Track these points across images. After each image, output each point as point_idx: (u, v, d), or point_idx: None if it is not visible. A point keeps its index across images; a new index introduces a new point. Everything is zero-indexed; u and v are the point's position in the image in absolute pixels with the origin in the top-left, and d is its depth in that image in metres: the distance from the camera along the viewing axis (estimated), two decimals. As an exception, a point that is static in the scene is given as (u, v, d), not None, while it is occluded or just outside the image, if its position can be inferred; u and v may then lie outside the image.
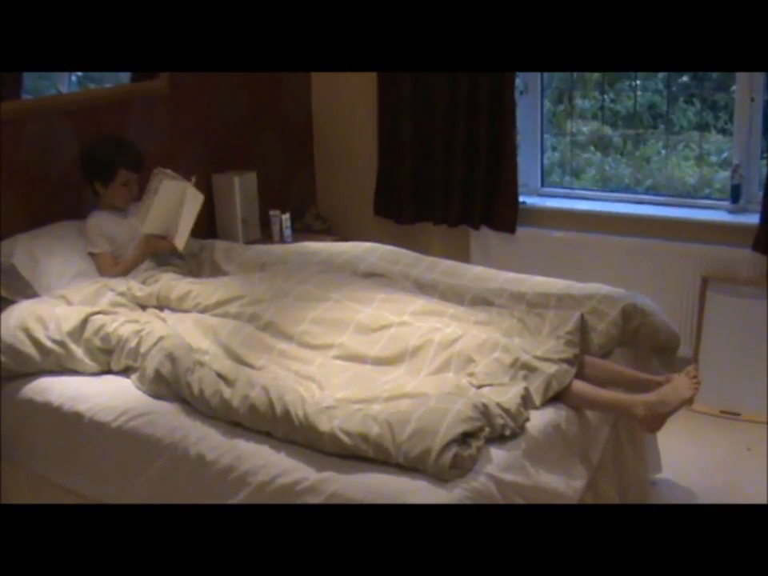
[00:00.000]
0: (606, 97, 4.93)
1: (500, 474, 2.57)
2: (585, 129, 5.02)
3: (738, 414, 4.28)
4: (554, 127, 5.10)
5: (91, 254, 3.89)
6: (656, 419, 2.96)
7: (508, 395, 2.77)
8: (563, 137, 5.06)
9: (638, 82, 4.83)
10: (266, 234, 4.88)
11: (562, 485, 2.80)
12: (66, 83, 4.27)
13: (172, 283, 3.64)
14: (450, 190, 4.89)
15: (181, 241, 3.92)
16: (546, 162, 5.08)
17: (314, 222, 5.23)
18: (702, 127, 4.74)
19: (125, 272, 3.84)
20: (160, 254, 3.95)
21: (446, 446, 2.50)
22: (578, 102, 5.01)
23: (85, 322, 3.33)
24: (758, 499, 3.61)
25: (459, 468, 2.50)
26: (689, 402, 3.03)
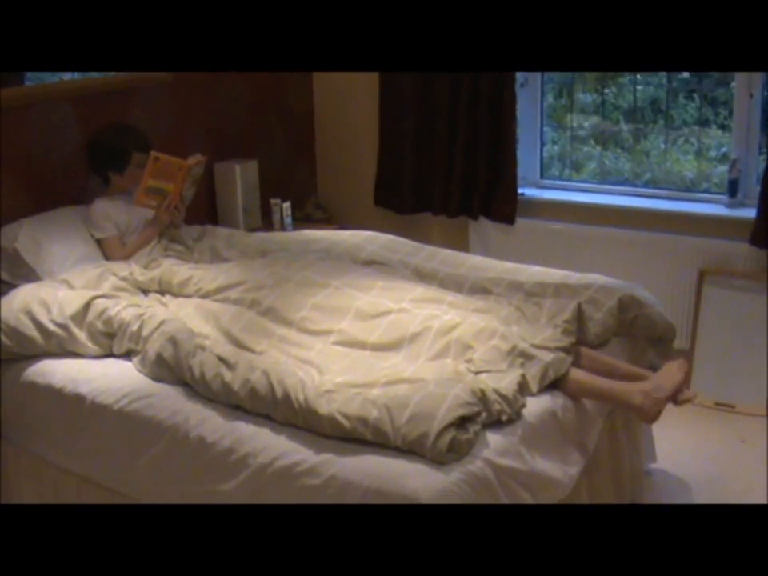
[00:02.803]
0: (608, 91, 4.95)
1: (496, 459, 2.60)
2: (585, 123, 5.05)
3: (733, 407, 4.32)
4: (554, 121, 5.13)
5: (98, 241, 3.92)
6: (653, 406, 2.97)
7: (505, 381, 2.80)
8: (563, 130, 5.09)
9: (639, 77, 4.85)
10: (266, 222, 4.90)
11: (558, 471, 2.83)
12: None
13: (174, 269, 3.66)
14: (449, 181, 4.91)
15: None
16: (545, 155, 5.11)
17: (314, 212, 5.25)
18: (702, 123, 4.77)
19: (134, 252, 3.89)
20: (165, 232, 4.01)
21: (444, 429, 2.53)
22: (579, 96, 5.03)
23: (87, 305, 3.36)
24: (751, 491, 3.65)
25: (456, 452, 2.54)
26: (682, 384, 3.05)
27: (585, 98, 5.04)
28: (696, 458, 3.95)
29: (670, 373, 3.06)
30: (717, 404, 4.34)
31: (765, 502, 3.55)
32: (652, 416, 3.01)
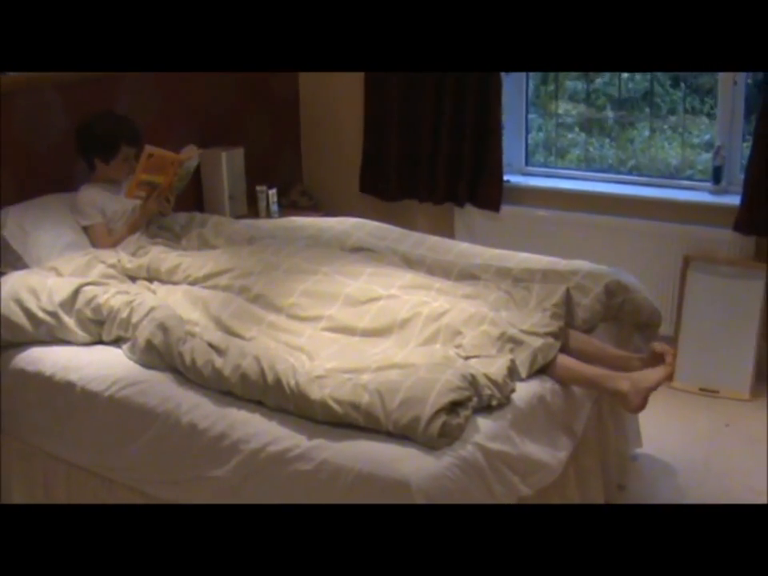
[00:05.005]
0: (599, 80, 4.96)
1: (487, 443, 2.62)
2: (572, 110, 5.06)
3: (717, 392, 4.35)
4: (539, 108, 5.14)
5: (84, 228, 3.91)
6: (638, 395, 2.97)
7: (495, 366, 2.82)
8: (549, 117, 5.11)
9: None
10: (252, 209, 4.91)
11: (547, 455, 2.85)
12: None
13: (162, 256, 3.66)
14: (435, 168, 4.93)
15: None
16: (530, 142, 5.13)
17: (299, 199, 5.26)
18: (687, 110, 4.79)
19: (121, 240, 3.87)
20: (153, 220, 4.00)
21: (435, 414, 2.55)
22: (567, 83, 5.04)
23: (76, 293, 3.36)
24: (735, 474, 3.70)
25: (448, 436, 2.56)
26: (669, 377, 3.08)
27: (570, 85, 5.06)
28: (681, 442, 3.98)
29: (656, 369, 3.07)
30: (701, 389, 4.37)
31: (747, 485, 3.60)
32: (636, 405, 3.00)
